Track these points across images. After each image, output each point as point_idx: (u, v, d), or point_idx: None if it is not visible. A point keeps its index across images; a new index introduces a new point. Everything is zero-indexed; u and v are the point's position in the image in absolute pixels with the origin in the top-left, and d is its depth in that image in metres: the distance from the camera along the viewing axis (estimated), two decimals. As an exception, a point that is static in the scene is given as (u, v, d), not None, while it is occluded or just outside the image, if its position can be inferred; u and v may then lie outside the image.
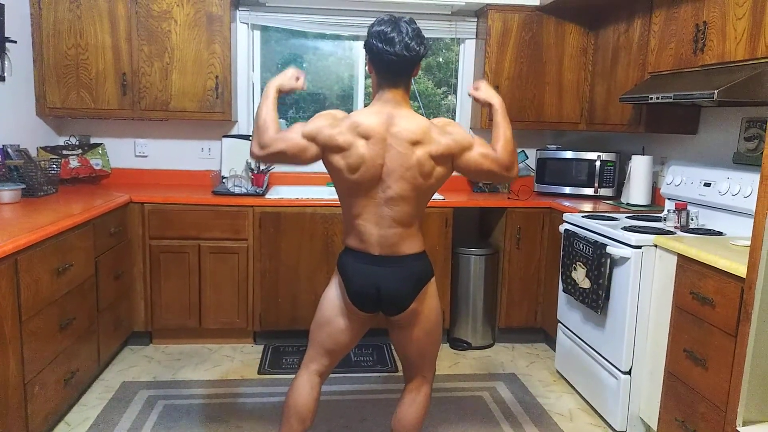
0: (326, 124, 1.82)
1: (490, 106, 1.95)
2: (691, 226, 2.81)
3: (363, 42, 1.93)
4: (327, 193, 3.77)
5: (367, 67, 1.91)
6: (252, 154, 1.88)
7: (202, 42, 3.58)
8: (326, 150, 1.83)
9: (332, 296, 2.00)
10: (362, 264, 1.90)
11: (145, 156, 3.99)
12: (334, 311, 1.99)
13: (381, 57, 1.79)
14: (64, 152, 3.71)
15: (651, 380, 2.54)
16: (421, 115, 1.91)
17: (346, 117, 1.84)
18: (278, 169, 3.99)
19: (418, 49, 1.80)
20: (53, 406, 2.41)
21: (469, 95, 2.04)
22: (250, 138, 1.81)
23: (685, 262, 2.30)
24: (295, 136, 1.83)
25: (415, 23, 1.83)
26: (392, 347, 3.55)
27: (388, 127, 1.80)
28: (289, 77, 1.96)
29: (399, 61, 1.79)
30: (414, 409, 2.09)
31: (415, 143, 1.79)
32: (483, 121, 3.80)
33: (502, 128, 1.91)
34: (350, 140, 1.79)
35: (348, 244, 1.96)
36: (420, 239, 1.94)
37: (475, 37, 4.06)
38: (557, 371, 3.31)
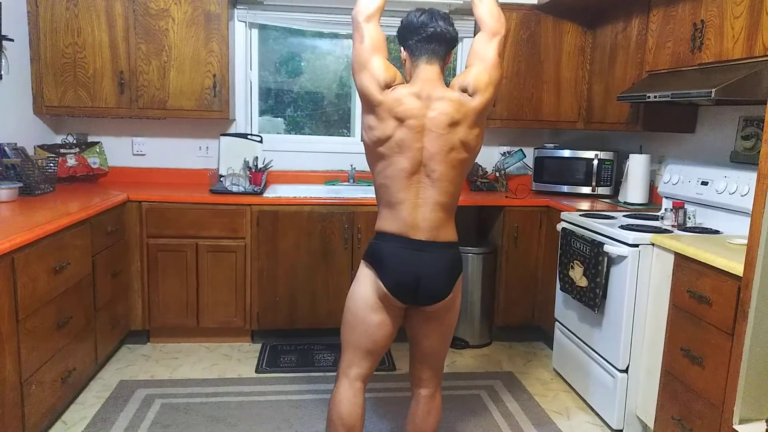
0: (383, 83, 1.82)
1: None
2: (689, 224, 2.81)
3: (395, 34, 1.95)
4: (325, 192, 3.77)
5: (402, 59, 1.95)
6: (356, 13, 1.85)
7: (199, 40, 3.58)
8: (364, 100, 1.85)
9: (363, 291, 1.90)
10: (403, 249, 1.84)
11: (143, 154, 3.99)
12: (367, 307, 1.89)
13: (418, 32, 1.85)
14: (62, 151, 3.71)
15: (648, 378, 2.55)
16: None
17: (395, 88, 1.83)
18: (276, 167, 4.00)
19: (449, 28, 1.88)
20: (50, 404, 2.40)
21: None
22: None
23: (682, 261, 2.30)
24: (373, 50, 1.83)
25: (446, 12, 1.92)
26: (390, 348, 3.56)
27: (426, 111, 1.81)
28: None
29: (435, 35, 1.85)
30: (432, 418, 2.07)
31: (454, 124, 1.81)
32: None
33: None
34: (384, 116, 1.81)
35: (384, 228, 1.89)
36: (455, 228, 1.93)
37: (473, 35, 4.06)
38: (554, 370, 3.31)
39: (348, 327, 1.95)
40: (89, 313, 2.81)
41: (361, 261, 1.96)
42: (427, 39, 1.86)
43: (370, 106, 1.84)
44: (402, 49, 1.95)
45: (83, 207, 2.79)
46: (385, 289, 1.86)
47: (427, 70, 1.87)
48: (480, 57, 1.88)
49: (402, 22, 1.91)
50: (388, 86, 1.82)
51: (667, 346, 2.39)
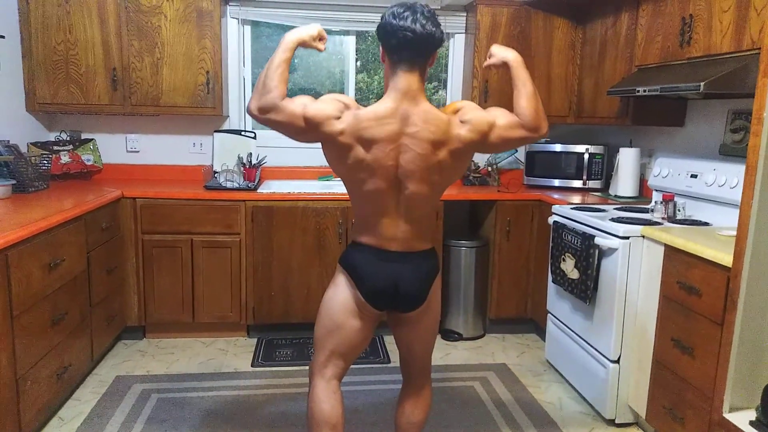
0: (332, 115, 1.67)
1: (506, 65, 1.83)
2: (678, 217, 2.85)
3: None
4: (319, 187, 3.79)
5: (380, 56, 1.79)
6: (249, 111, 1.69)
7: (192, 37, 3.58)
8: (324, 142, 1.73)
9: (340, 297, 1.88)
10: (379, 260, 1.82)
11: (137, 151, 3.99)
12: (344, 313, 1.87)
13: (395, 35, 1.67)
14: (55, 148, 3.70)
15: (639, 369, 2.58)
16: None
17: (353, 112, 1.69)
18: (270, 163, 4.01)
19: (433, 29, 1.69)
20: (46, 400, 2.41)
21: (485, 67, 1.94)
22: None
23: (672, 253, 2.34)
24: (297, 112, 1.65)
25: (431, 9, 1.74)
26: (384, 341, 3.58)
27: (403, 126, 1.69)
28: (313, 34, 1.74)
29: (415, 39, 1.67)
30: (419, 410, 2.08)
31: (437, 145, 1.71)
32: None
33: (522, 84, 1.79)
34: (349, 142, 1.68)
35: (359, 240, 1.86)
36: (431, 234, 1.91)
37: (464, 31, 4.08)
38: (547, 361, 3.35)
39: (324, 329, 1.91)
40: (84, 310, 2.82)
41: (338, 265, 1.93)
42: (407, 43, 1.67)
43: (333, 143, 1.70)
44: (380, 49, 1.78)
45: (77, 204, 2.80)
46: (361, 297, 1.85)
47: (406, 80, 1.71)
48: (500, 112, 1.79)
49: (381, 18, 1.72)
50: (340, 113, 1.67)
51: (657, 337, 2.42)
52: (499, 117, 1.78)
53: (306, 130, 1.68)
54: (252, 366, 3.20)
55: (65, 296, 2.59)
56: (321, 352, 1.92)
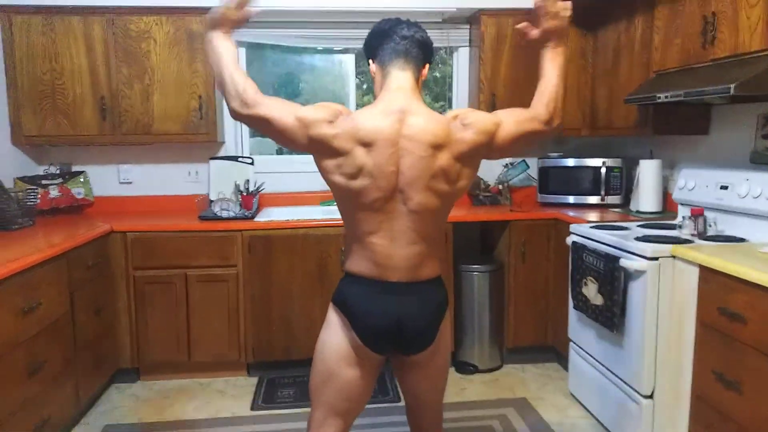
0: (325, 118, 1.51)
1: (555, 36, 1.60)
2: (710, 233, 2.60)
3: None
4: (320, 213, 3.58)
5: (370, 71, 1.68)
6: (233, 112, 1.54)
7: (183, 61, 3.42)
8: (318, 149, 1.53)
9: (333, 341, 1.63)
10: (377, 294, 1.57)
11: (130, 182, 3.82)
12: (338, 360, 1.62)
13: (389, 33, 1.60)
14: (44, 182, 3.54)
15: (676, 405, 2.32)
16: None
17: (348, 116, 1.53)
18: (269, 189, 3.80)
19: (423, 34, 1.63)
20: (22, 458, 2.20)
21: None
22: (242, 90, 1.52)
23: (708, 274, 2.09)
24: (287, 111, 1.52)
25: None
26: (393, 376, 3.34)
27: (399, 128, 1.50)
28: (232, 5, 1.55)
29: (411, 38, 1.60)
30: None
31: (438, 146, 1.51)
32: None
33: (559, 68, 1.61)
34: (347, 146, 1.50)
35: (353, 270, 1.62)
36: (438, 260, 1.66)
37: (468, 44, 3.90)
38: (571, 394, 3.08)
39: (318, 381, 1.66)
40: (68, 355, 2.61)
41: (330, 304, 1.69)
42: (399, 41, 1.59)
43: (326, 147, 1.52)
44: (370, 62, 1.67)
45: (59, 241, 2.61)
46: (358, 340, 1.59)
47: (400, 78, 1.59)
48: (505, 111, 1.64)
49: (368, 33, 1.66)
50: (334, 118, 1.52)
51: (696, 369, 2.17)
52: (504, 115, 1.62)
53: (296, 129, 1.52)
54: (252, 409, 2.97)
55: (44, 342, 2.39)
56: (317, 408, 1.67)
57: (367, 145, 1.50)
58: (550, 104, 1.62)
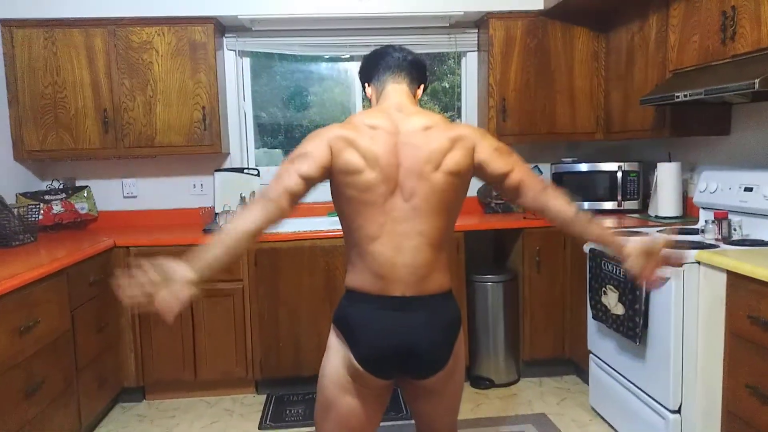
0: (321, 150, 1.45)
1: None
2: (735, 237, 2.48)
3: (360, 62, 1.70)
4: (327, 224, 3.49)
5: (367, 94, 1.70)
6: (288, 213, 1.46)
7: (186, 71, 3.36)
8: (333, 174, 1.49)
9: (332, 367, 1.51)
10: (379, 310, 1.45)
11: (135, 196, 3.75)
12: (337, 388, 1.49)
13: (383, 54, 1.64)
14: (47, 197, 3.49)
15: (706, 421, 2.18)
16: None
17: (333, 127, 1.49)
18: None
19: (414, 56, 1.66)
20: (20, 484, 2.11)
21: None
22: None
23: (736, 281, 1.97)
24: (293, 179, 1.43)
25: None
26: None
27: (395, 121, 1.51)
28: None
29: (405, 58, 1.63)
30: None
31: (428, 128, 1.49)
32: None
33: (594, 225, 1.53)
34: (347, 146, 1.46)
35: (352, 284, 1.50)
36: (448, 271, 1.54)
37: (476, 49, 3.81)
38: (592, 408, 2.95)
39: (319, 407, 1.56)
40: (69, 375, 2.53)
41: (331, 326, 1.57)
42: (392, 60, 1.63)
43: (350, 170, 1.46)
44: (366, 86, 1.70)
45: (59, 257, 2.54)
46: (357, 364, 1.45)
47: (396, 88, 1.61)
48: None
49: (362, 61, 1.70)
50: (322, 141, 1.48)
51: (726, 383, 2.04)
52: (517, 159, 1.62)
53: (309, 184, 1.47)
54: (260, 429, 2.86)
55: (43, 362, 2.30)
56: None
57: (366, 137, 1.47)
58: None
